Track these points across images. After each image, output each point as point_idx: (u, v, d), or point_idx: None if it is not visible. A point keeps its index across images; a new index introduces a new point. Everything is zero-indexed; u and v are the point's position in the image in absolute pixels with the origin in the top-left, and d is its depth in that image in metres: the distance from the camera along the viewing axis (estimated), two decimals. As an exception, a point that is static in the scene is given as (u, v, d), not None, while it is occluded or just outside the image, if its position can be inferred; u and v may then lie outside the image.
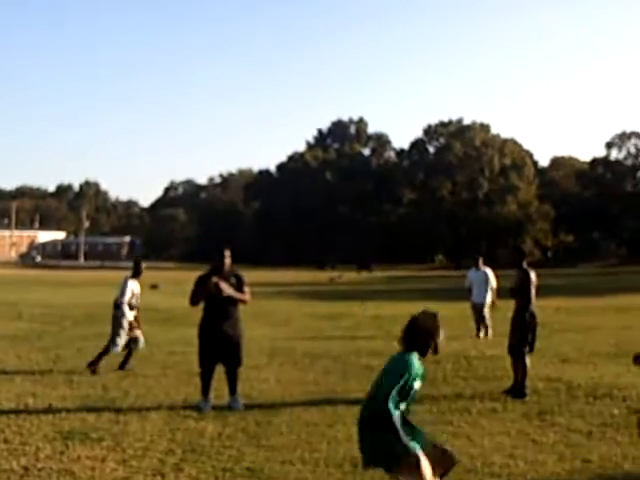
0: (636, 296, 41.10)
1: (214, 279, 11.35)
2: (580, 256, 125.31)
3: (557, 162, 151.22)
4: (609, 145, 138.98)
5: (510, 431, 9.96)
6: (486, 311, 21.73)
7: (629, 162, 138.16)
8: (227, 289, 11.38)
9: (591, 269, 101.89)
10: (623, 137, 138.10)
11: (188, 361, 16.25)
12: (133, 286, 15.29)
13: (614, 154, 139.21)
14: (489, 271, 22.04)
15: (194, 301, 11.73)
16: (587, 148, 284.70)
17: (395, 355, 6.96)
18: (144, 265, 15.66)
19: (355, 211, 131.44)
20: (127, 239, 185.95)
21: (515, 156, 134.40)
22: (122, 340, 15.12)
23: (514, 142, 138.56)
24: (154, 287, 51.17)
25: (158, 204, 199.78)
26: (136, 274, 15.42)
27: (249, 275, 11.97)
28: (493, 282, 21.88)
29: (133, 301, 15.30)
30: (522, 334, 12.72)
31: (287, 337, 21.51)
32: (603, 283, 59.71)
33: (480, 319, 21.72)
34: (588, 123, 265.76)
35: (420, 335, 6.80)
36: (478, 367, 15.58)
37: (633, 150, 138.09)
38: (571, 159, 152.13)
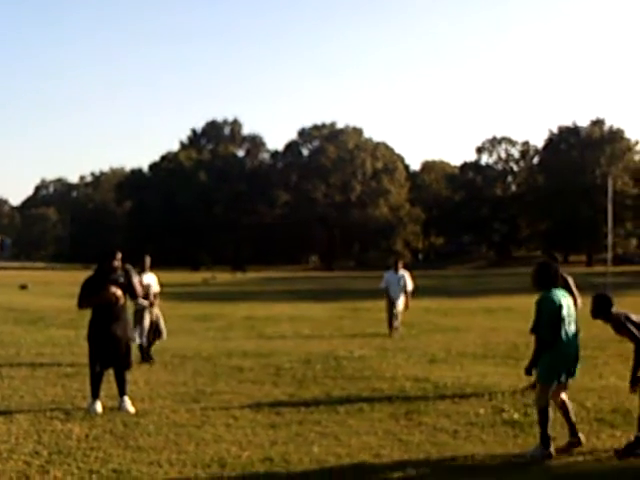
0: (503, 298, 41.99)
1: (112, 289, 11.25)
2: (450, 258, 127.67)
3: (428, 166, 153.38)
4: (479, 150, 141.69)
5: (377, 431, 10.04)
6: (400, 311, 22.39)
7: (499, 167, 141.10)
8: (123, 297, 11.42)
9: (461, 271, 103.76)
10: (494, 142, 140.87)
11: (56, 362, 16.01)
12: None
13: (485, 159, 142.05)
14: (407, 275, 22.75)
15: (83, 305, 11.55)
16: (458, 153, 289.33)
17: None
18: None
19: (229, 212, 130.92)
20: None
21: (387, 160, 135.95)
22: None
23: (386, 146, 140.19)
24: (23, 287, 50.32)
25: (28, 203, 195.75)
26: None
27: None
28: (409, 285, 22.67)
29: None
30: None
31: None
32: (472, 285, 60.84)
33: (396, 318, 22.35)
34: (459, 128, 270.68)
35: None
36: (347, 367, 15.67)
37: (503, 155, 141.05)
38: (442, 163, 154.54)
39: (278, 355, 17.45)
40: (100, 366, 11.40)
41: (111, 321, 11.32)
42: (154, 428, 10.12)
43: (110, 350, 11.32)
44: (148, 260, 17.19)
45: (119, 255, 11.59)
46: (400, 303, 22.37)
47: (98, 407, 11.17)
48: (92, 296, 11.36)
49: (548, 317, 8.86)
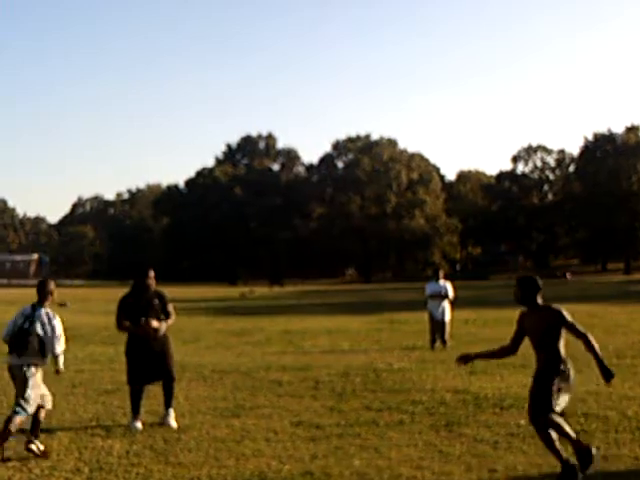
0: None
1: (154, 324, 11.26)
2: (488, 268, 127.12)
3: (463, 176, 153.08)
4: (515, 159, 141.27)
5: (418, 443, 9.99)
6: (447, 322, 22.22)
7: (535, 175, 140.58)
8: (163, 327, 11.41)
9: (500, 281, 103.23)
10: (529, 151, 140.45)
11: (96, 379, 16.08)
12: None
13: (520, 168, 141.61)
14: (449, 285, 22.58)
15: (122, 329, 11.54)
16: (493, 162, 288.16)
17: None
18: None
19: (265, 226, 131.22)
20: (35, 257, 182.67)
21: (422, 170, 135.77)
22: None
23: (421, 157, 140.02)
24: (62, 305, 50.58)
25: (66, 221, 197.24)
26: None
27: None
28: (451, 295, 22.44)
29: None
30: None
31: (197, 353, 21.32)
32: (511, 295, 60.44)
33: (443, 331, 22.08)
34: (494, 137, 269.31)
35: None
36: (386, 379, 15.62)
37: (539, 163, 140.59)
38: (477, 173, 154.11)
39: (317, 368, 17.41)
40: (139, 382, 11.44)
41: (148, 337, 11.37)
42: (194, 444, 10.12)
43: (153, 365, 11.34)
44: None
45: (152, 273, 11.60)
46: (447, 313, 22.21)
47: (138, 424, 11.18)
48: (131, 324, 11.36)
49: None
